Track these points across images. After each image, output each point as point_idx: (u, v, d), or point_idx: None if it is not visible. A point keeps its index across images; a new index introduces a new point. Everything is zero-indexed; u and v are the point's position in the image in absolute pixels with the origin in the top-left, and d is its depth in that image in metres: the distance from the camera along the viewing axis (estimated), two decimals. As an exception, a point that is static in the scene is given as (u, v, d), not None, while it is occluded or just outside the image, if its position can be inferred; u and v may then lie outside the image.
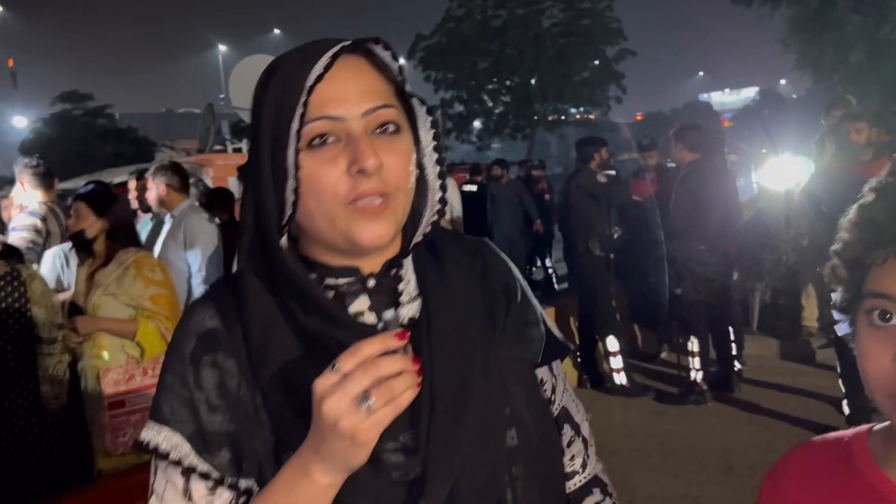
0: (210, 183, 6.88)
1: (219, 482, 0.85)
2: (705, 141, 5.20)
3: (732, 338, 5.34)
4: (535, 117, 28.72)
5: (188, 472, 0.85)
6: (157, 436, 0.85)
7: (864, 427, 0.84)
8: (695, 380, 5.17)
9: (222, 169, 8.49)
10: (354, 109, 0.83)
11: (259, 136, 0.84)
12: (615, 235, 5.63)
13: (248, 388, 0.85)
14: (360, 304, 0.89)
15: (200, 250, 3.99)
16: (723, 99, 77.99)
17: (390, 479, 0.83)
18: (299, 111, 0.81)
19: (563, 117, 29.70)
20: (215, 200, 5.22)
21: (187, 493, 0.85)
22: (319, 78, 0.81)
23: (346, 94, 0.83)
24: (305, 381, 0.76)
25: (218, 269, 4.01)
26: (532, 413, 0.94)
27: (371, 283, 0.90)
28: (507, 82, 28.47)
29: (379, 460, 0.82)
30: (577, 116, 31.47)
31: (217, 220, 4.47)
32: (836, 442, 0.86)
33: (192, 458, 0.84)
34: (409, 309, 0.89)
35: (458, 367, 0.87)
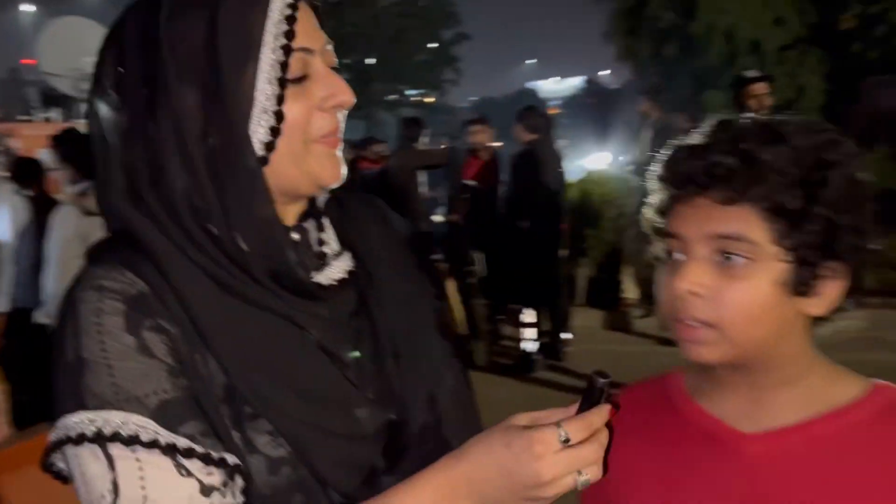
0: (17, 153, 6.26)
1: (205, 458, 0.74)
2: (544, 123, 5.48)
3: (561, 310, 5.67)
4: (373, 97, 28.65)
5: (171, 450, 0.72)
6: (102, 423, 0.71)
7: (682, 367, 0.92)
8: (525, 350, 5.43)
9: (30, 140, 7.75)
10: (320, 43, 0.81)
11: (182, 68, 0.76)
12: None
13: (200, 357, 0.76)
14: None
15: (9, 224, 3.66)
16: (551, 87, 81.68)
17: (362, 434, 0.81)
18: (279, 41, 0.76)
19: (400, 98, 29.86)
20: (24, 172, 4.77)
21: (182, 469, 0.73)
22: (294, 7, 0.78)
23: (311, 27, 0.81)
24: (264, 353, 0.76)
25: (30, 243, 3.69)
26: (453, 351, 0.96)
27: (295, 235, 0.86)
28: (345, 60, 28.17)
29: (354, 417, 0.80)
30: (414, 99, 31.76)
31: (27, 192, 4.10)
32: (658, 381, 0.94)
33: (169, 436, 0.72)
34: (341, 264, 0.87)
35: (407, 317, 0.89)
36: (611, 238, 7.03)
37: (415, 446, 0.83)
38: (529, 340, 5.45)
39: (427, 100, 32.02)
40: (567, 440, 0.73)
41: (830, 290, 0.78)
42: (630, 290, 6.55)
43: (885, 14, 11.89)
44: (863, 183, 0.78)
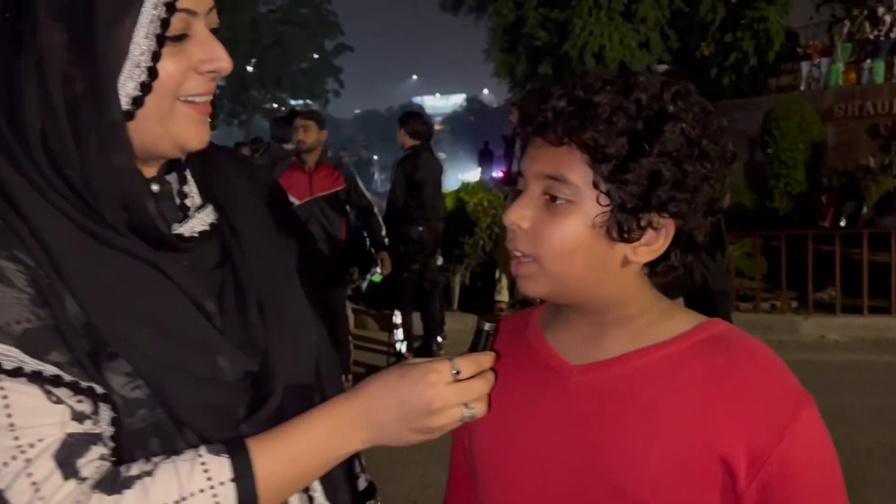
0: None
1: (73, 386, 0.72)
2: (425, 130, 5.57)
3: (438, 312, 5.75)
4: (252, 104, 28.00)
5: (38, 378, 0.70)
6: None
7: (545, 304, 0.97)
8: (400, 350, 5.47)
9: None
10: (205, 6, 0.79)
11: (55, 2, 0.72)
12: None
13: (58, 293, 0.73)
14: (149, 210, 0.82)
15: None
16: (434, 103, 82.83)
17: (224, 381, 0.80)
18: None
19: (281, 107, 29.35)
20: None
21: (52, 396, 0.71)
22: None
23: None
24: (124, 292, 0.75)
25: None
26: (317, 311, 0.97)
27: (155, 187, 0.84)
28: (222, 65, 27.39)
29: (216, 363, 0.79)
30: (297, 108, 31.33)
31: None
32: (525, 312, 0.99)
33: (35, 363, 0.70)
34: (204, 216, 0.86)
35: (270, 271, 0.88)
36: (485, 245, 7.19)
37: (277, 397, 0.83)
38: (399, 341, 5.50)
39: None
40: (458, 372, 0.78)
41: (654, 240, 0.80)
42: (503, 295, 6.71)
43: (738, 43, 12.87)
44: (700, 139, 0.78)
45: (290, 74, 28.05)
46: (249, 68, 27.41)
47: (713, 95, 13.22)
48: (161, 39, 0.75)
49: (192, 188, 0.89)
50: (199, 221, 0.86)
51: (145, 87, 0.76)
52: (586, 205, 0.79)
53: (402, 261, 5.43)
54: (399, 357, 5.46)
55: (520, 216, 0.82)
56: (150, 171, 0.84)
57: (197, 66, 0.79)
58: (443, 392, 0.76)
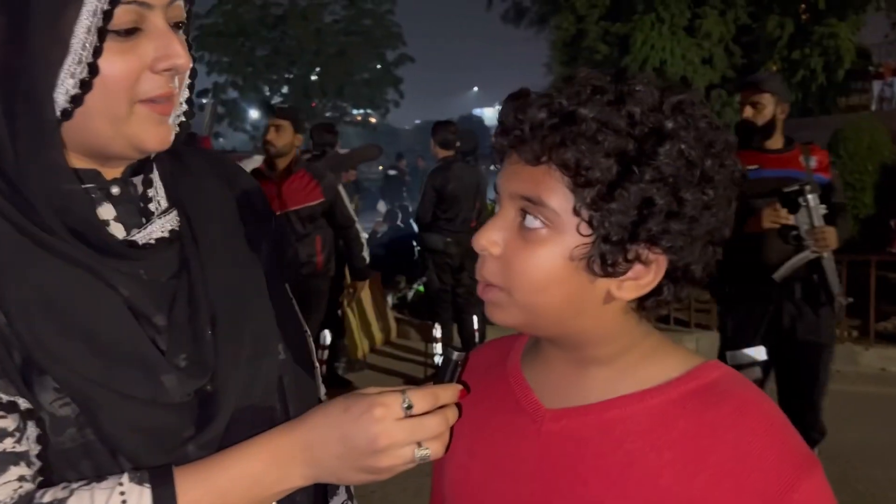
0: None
1: None
2: (455, 139, 5.49)
3: (476, 326, 5.65)
4: (313, 112, 28.46)
5: None
6: None
7: None
8: (438, 364, 5.39)
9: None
10: None
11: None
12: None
13: None
14: (105, 213, 0.79)
15: None
16: (494, 115, 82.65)
17: (168, 401, 0.74)
18: None
19: (342, 116, 29.74)
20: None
21: None
22: None
23: None
24: (57, 302, 0.70)
25: None
26: (293, 327, 0.91)
27: (115, 190, 0.79)
28: (287, 74, 27.94)
29: (159, 382, 0.73)
30: (358, 117, 31.68)
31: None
32: (507, 341, 0.90)
33: None
34: (165, 222, 0.81)
35: (232, 282, 0.82)
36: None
37: (224, 418, 0.77)
38: (439, 355, 5.43)
39: (370, 119, 31.96)
40: (410, 407, 0.70)
41: (642, 275, 0.70)
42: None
43: (806, 60, 12.45)
44: (703, 161, 0.67)
45: (351, 84, 28.39)
46: (313, 77, 27.87)
47: (778, 114, 12.83)
48: (103, 33, 0.69)
49: (158, 192, 0.83)
50: (159, 227, 0.80)
51: (85, 85, 0.70)
52: (565, 233, 0.69)
53: (434, 274, 5.38)
54: (436, 369, 5.41)
55: (490, 241, 0.73)
56: (112, 173, 0.79)
57: (151, 64, 0.73)
58: (390, 429, 0.69)
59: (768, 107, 3.29)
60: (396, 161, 19.08)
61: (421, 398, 0.70)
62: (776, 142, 3.35)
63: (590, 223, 0.67)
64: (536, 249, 0.70)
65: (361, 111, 30.98)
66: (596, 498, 0.72)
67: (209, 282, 0.81)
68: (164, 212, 0.83)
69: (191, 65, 0.76)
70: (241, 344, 0.81)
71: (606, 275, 0.69)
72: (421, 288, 6.04)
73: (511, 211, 0.72)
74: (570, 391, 0.77)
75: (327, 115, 29.17)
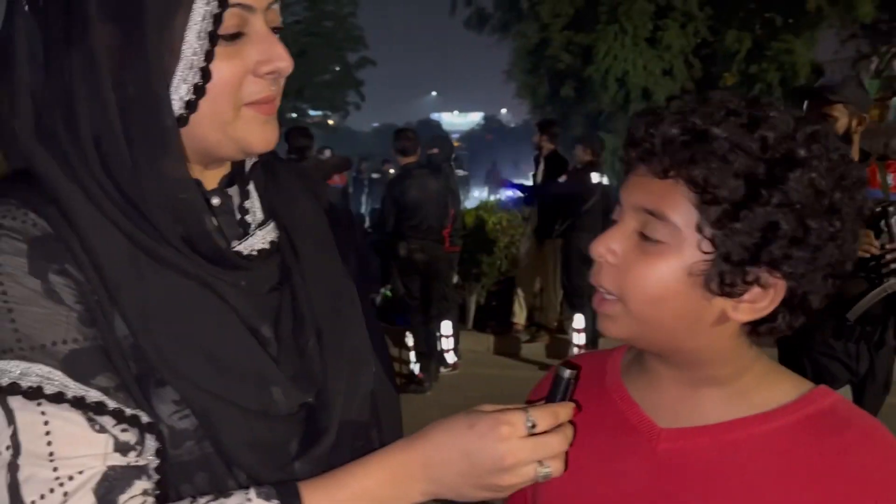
0: None
1: (117, 414, 0.67)
2: (414, 146, 5.49)
3: (450, 332, 5.67)
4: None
5: (81, 404, 0.66)
6: None
7: (625, 345, 0.88)
8: (412, 371, 5.39)
9: None
10: (264, 1, 0.73)
11: (105, 1, 0.68)
12: None
13: (107, 311, 0.69)
14: (207, 224, 0.78)
15: None
16: (452, 120, 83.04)
17: (277, 414, 0.74)
18: None
19: (302, 117, 29.48)
20: None
21: (95, 424, 0.66)
22: None
23: None
24: (175, 315, 0.70)
25: None
26: (378, 339, 0.91)
27: (216, 200, 0.79)
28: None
29: (270, 395, 0.74)
30: (317, 119, 31.45)
31: None
32: (601, 355, 0.90)
33: (78, 388, 0.66)
34: (265, 233, 0.81)
35: (331, 295, 0.82)
36: (501, 264, 7.13)
37: (332, 433, 0.77)
38: (412, 362, 5.44)
39: (329, 121, 31.75)
40: (534, 426, 0.70)
41: (759, 298, 0.71)
42: (519, 316, 6.65)
43: (763, 74, 12.81)
44: (833, 192, 0.68)
45: (311, 86, 28.18)
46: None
47: (736, 126, 13.14)
48: (214, 37, 0.70)
49: (254, 203, 0.84)
50: (260, 239, 0.80)
51: (199, 90, 0.71)
52: (685, 249, 0.70)
53: (399, 281, 5.39)
54: (410, 379, 5.39)
55: (607, 248, 0.74)
56: (210, 183, 0.80)
57: (254, 68, 0.73)
58: (516, 447, 0.69)
59: (841, 119, 2.70)
60: (382, 164, 18.92)
61: (543, 417, 0.71)
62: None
63: (711, 241, 0.68)
64: (654, 261, 0.71)
65: (320, 113, 30.74)
66: None
67: (311, 294, 0.81)
68: (262, 223, 0.82)
69: (292, 68, 0.76)
70: (343, 357, 0.81)
71: (723, 294, 0.70)
72: (388, 293, 6.02)
73: (632, 222, 0.74)
74: (684, 411, 0.77)
75: (287, 115, 28.92)
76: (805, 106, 2.76)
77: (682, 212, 0.70)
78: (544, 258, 6.40)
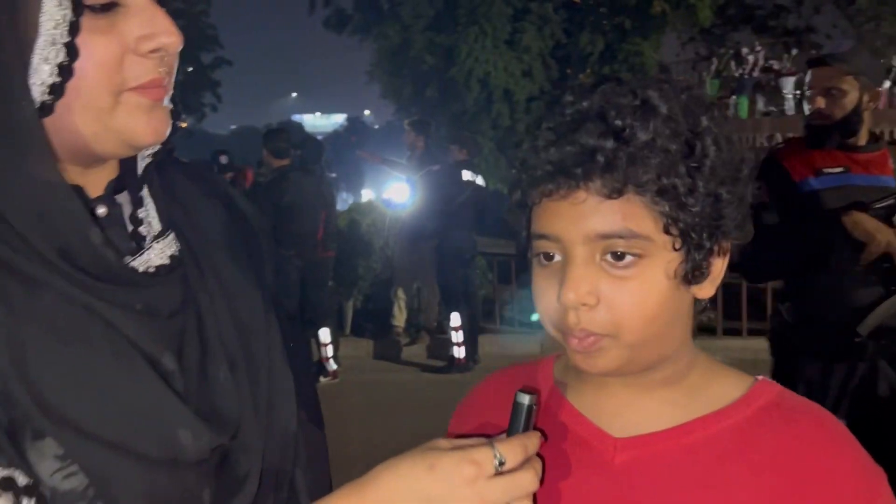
0: None
1: None
2: (288, 148, 5.32)
3: (328, 340, 5.53)
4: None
5: None
6: None
7: (553, 354, 0.84)
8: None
9: None
10: None
11: None
12: None
13: None
14: (92, 238, 0.64)
15: None
16: (314, 122, 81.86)
17: (186, 461, 0.62)
18: None
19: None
20: None
21: None
22: None
23: None
24: (54, 350, 0.58)
25: None
26: (303, 369, 0.80)
27: (101, 210, 0.66)
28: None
29: (177, 438, 0.61)
30: (169, 122, 30.00)
31: None
32: (527, 367, 0.85)
33: None
34: (164, 247, 0.68)
35: (244, 316, 0.70)
36: (378, 267, 7.06)
37: (253, 480, 0.66)
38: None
39: (181, 124, 30.33)
40: (502, 463, 0.62)
41: (717, 269, 0.72)
42: (399, 318, 6.60)
43: (616, 75, 13.43)
44: (733, 143, 0.70)
45: (164, 87, 26.85)
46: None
47: (593, 124, 13.75)
48: (78, 5, 0.58)
49: (149, 211, 0.71)
50: (157, 253, 0.68)
51: (64, 71, 0.59)
52: (658, 256, 0.67)
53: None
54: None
55: (586, 293, 0.67)
56: (95, 189, 0.67)
57: (135, 45, 0.62)
58: (485, 491, 0.61)
59: (851, 93, 2.29)
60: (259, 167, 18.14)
61: (512, 452, 0.63)
62: (862, 138, 2.36)
63: (681, 236, 0.67)
64: (636, 282, 0.68)
65: (174, 115, 29.36)
66: None
67: (221, 317, 0.70)
68: (159, 235, 0.70)
69: (181, 44, 0.65)
70: (261, 391, 0.70)
71: (697, 281, 0.70)
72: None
73: (587, 253, 0.68)
74: (634, 417, 0.74)
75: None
76: (808, 77, 2.43)
77: (646, 221, 0.67)
78: (421, 258, 6.39)
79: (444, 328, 6.38)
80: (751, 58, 11.58)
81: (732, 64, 11.94)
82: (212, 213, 0.77)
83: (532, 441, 0.67)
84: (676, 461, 0.71)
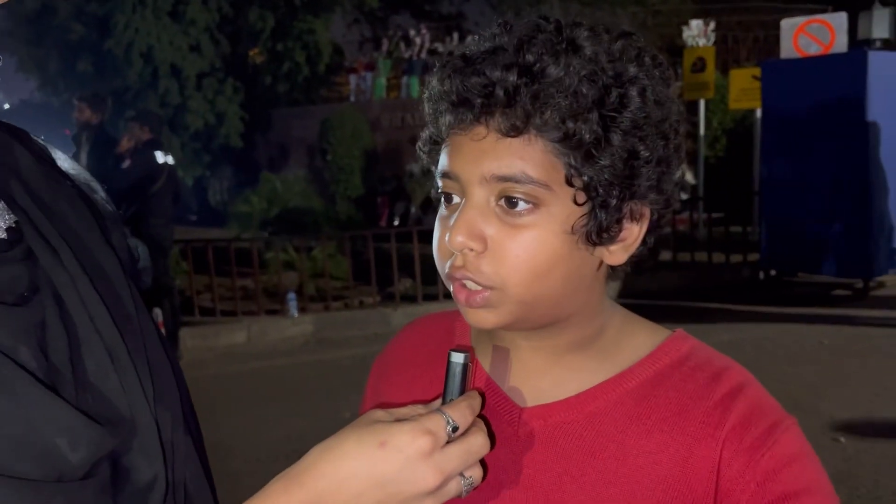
0: None
1: None
2: None
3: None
4: None
5: None
6: None
7: None
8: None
9: None
10: None
11: None
12: None
13: None
14: None
15: None
16: None
17: (71, 476, 0.47)
18: None
19: None
20: None
21: None
22: None
23: None
24: None
25: None
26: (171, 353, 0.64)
27: None
28: None
29: (53, 452, 0.47)
30: None
31: None
32: (448, 315, 0.80)
33: None
34: None
35: (116, 298, 0.55)
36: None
37: (160, 486, 0.53)
38: None
39: None
40: (455, 429, 0.57)
41: (630, 235, 0.66)
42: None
43: (290, 53, 13.33)
44: (667, 101, 0.64)
45: None
46: None
47: (269, 103, 13.53)
48: None
49: None
50: None
51: None
52: (557, 207, 0.61)
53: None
54: None
55: (472, 237, 0.62)
56: None
57: None
58: (442, 461, 0.56)
59: None
60: None
61: (462, 416, 0.59)
62: None
63: (585, 190, 0.61)
64: (529, 232, 0.62)
65: None
66: (594, 498, 0.67)
67: (87, 300, 0.54)
68: None
69: None
70: (148, 383, 0.56)
71: (604, 242, 0.64)
72: None
73: (483, 195, 0.63)
74: (544, 384, 0.71)
75: None
76: None
77: (546, 167, 0.61)
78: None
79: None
80: (418, 40, 12.32)
81: (402, 46, 12.57)
82: (47, 180, 0.59)
83: (476, 401, 0.62)
84: (579, 431, 0.68)
